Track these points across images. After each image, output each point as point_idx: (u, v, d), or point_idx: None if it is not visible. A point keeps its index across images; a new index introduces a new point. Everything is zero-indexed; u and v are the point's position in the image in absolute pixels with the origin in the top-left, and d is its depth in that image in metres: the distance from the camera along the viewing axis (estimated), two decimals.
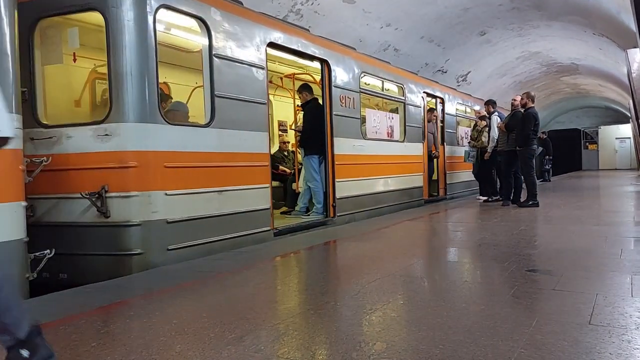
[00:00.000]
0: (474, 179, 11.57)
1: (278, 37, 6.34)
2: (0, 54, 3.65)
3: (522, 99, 9.38)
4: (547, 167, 18.18)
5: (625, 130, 31.12)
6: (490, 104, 10.65)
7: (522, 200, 9.36)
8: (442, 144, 11.93)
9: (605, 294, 3.24)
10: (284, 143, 9.98)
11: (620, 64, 14.43)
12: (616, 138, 31.75)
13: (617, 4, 9.71)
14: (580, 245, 5.09)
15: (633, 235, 5.61)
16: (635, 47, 10.56)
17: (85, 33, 5.15)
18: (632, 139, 29.25)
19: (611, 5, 10.31)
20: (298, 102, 9.13)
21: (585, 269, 4.05)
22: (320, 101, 7.61)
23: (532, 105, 9.12)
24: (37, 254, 4.02)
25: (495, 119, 10.18)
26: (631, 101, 16.34)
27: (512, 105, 9.64)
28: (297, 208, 8.00)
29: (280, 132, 10.84)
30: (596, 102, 29.69)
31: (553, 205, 9.63)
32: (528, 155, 9.13)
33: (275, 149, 9.61)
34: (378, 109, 9.81)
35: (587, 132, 32.83)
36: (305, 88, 7.91)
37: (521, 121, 9.13)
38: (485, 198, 10.70)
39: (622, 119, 30.72)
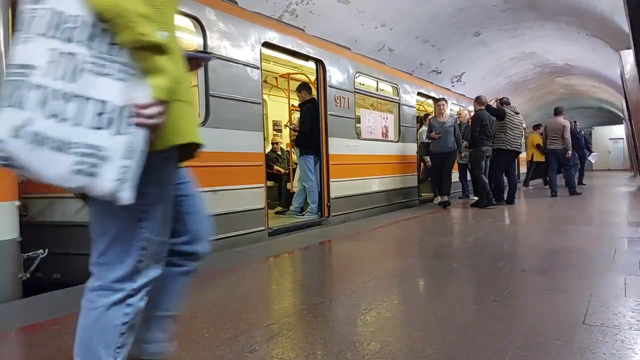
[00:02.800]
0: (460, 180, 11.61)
1: (273, 36, 6.34)
2: None
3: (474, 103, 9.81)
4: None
5: (619, 131, 31.28)
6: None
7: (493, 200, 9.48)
8: None
9: (599, 294, 3.25)
10: (275, 144, 9.97)
11: (613, 65, 14.49)
12: (610, 139, 31.93)
13: (611, 5, 9.76)
14: (574, 246, 5.11)
15: (627, 235, 5.64)
16: (628, 49, 10.60)
17: None
18: (625, 140, 29.41)
19: (605, 6, 10.36)
20: (293, 102, 9.14)
21: (579, 269, 4.06)
22: None
23: (481, 107, 9.38)
24: (30, 253, 4.00)
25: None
26: (624, 102, 16.43)
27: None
28: (291, 208, 8.00)
29: (275, 132, 10.83)
30: (590, 102, 29.82)
31: (547, 205, 9.67)
32: (477, 157, 9.37)
33: (269, 148, 9.60)
34: (373, 109, 9.82)
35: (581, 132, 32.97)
36: (304, 87, 7.92)
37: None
38: (478, 198, 10.73)
39: (615, 120, 30.88)
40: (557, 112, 11.80)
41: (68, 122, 1.31)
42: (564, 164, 11.63)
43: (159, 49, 1.38)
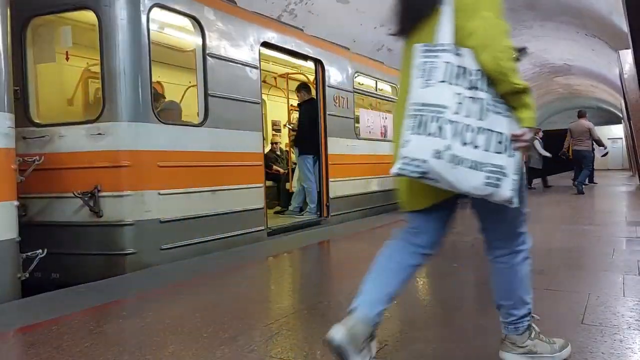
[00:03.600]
0: None
1: (272, 36, 6.34)
2: None
3: None
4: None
5: (617, 130, 31.30)
6: None
7: None
8: None
9: (598, 293, 3.26)
10: (274, 144, 9.97)
11: (612, 64, 14.50)
12: (608, 138, 31.92)
13: (609, 5, 9.77)
14: (572, 245, 5.11)
15: (625, 235, 5.64)
16: (627, 48, 10.61)
17: (79, 32, 5.12)
18: (623, 140, 29.43)
19: (603, 6, 10.36)
20: (292, 102, 9.14)
21: (578, 269, 4.07)
22: None
23: None
24: (29, 253, 3.99)
25: None
26: (623, 102, 16.44)
27: None
28: (290, 208, 8.00)
29: (274, 132, 10.83)
30: (589, 102, 29.87)
31: (545, 204, 9.68)
32: None
33: (268, 148, 9.59)
34: (372, 109, 9.82)
35: None
36: (303, 87, 7.92)
37: None
38: None
39: (614, 120, 30.90)
40: (581, 114, 12.26)
41: (480, 149, 1.78)
42: (587, 164, 12.02)
43: (526, 90, 1.84)
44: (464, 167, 1.78)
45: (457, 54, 1.81)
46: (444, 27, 1.85)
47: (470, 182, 1.79)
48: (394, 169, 1.88)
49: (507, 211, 1.97)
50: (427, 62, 1.82)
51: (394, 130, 2.10)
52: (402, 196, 2.19)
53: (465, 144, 1.77)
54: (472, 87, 1.80)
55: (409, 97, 1.87)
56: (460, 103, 1.78)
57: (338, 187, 7.68)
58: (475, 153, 1.78)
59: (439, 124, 1.77)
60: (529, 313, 2.14)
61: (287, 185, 8.81)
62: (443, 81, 1.79)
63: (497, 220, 2.09)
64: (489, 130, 1.79)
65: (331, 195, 7.50)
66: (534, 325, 2.17)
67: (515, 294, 2.11)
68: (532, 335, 2.13)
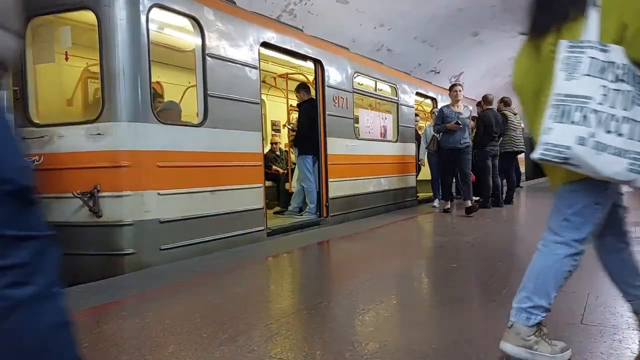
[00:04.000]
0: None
1: (271, 36, 6.34)
2: None
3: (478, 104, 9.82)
4: None
5: None
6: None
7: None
8: None
9: (597, 293, 3.26)
10: (273, 144, 9.98)
11: None
12: None
13: None
14: None
15: None
16: None
17: (78, 32, 5.12)
18: None
19: None
20: (291, 102, 9.14)
21: (577, 269, 4.06)
22: None
23: (488, 107, 9.29)
24: None
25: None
26: None
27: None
28: (290, 208, 8.00)
29: (274, 132, 10.84)
30: None
31: (545, 204, 9.67)
32: (483, 158, 9.25)
33: (268, 148, 9.60)
34: (371, 109, 9.80)
35: None
36: (302, 87, 7.92)
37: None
38: (477, 198, 10.73)
39: None
40: None
41: (624, 137, 1.87)
42: None
43: None
44: (608, 154, 1.86)
45: (603, 50, 1.91)
46: (592, 27, 1.97)
47: (613, 167, 1.88)
48: (536, 154, 1.95)
49: (585, 206, 2.10)
50: (572, 57, 1.93)
51: (528, 118, 2.26)
52: (546, 172, 2.28)
53: (609, 132, 1.86)
54: (618, 80, 1.89)
55: (552, 89, 1.96)
56: (605, 95, 1.88)
57: (337, 187, 7.68)
58: (619, 141, 1.87)
59: (583, 113, 1.87)
60: (546, 309, 2.16)
61: (287, 186, 8.81)
62: (587, 75, 1.89)
63: (571, 206, 2.14)
64: (633, 120, 1.88)
65: (331, 195, 7.50)
66: (543, 326, 2.18)
67: (543, 281, 2.15)
68: (537, 333, 2.15)
